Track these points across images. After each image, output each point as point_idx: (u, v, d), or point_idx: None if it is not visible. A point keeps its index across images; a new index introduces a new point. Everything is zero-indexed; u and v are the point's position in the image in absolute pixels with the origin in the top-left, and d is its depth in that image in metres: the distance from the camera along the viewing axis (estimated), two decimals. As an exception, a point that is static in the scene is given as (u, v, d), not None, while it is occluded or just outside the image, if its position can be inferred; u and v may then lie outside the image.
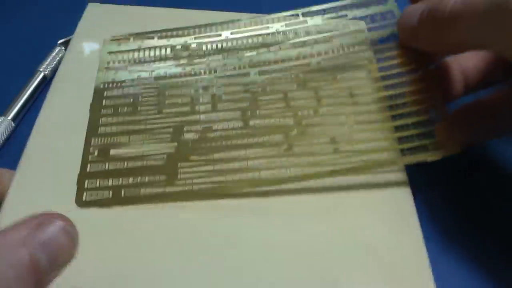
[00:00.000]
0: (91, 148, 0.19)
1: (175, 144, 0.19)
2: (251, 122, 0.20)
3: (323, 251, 0.17)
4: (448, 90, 0.22)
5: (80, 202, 0.18)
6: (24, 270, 0.13)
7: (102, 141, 0.20)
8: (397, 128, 0.20)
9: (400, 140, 0.19)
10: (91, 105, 0.21)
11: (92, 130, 0.20)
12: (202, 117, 0.20)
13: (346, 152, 0.19)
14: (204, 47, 0.24)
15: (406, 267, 0.17)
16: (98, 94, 0.22)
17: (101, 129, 0.20)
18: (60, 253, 0.15)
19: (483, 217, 0.21)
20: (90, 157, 0.19)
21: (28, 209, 0.15)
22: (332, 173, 0.18)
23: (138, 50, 0.24)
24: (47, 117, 0.21)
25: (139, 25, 0.25)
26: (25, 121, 0.25)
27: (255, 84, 0.22)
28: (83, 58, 0.24)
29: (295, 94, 0.21)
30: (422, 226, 0.18)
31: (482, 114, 0.21)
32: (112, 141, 0.20)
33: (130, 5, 0.27)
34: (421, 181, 0.20)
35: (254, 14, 0.25)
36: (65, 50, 0.27)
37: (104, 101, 0.21)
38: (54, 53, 0.28)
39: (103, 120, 0.20)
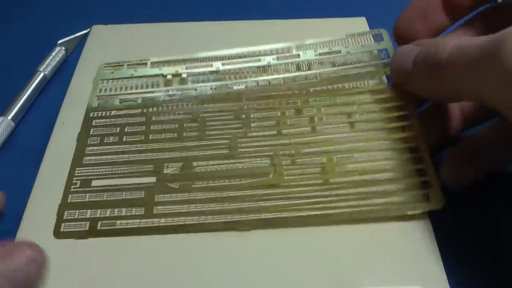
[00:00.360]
0: (74, 179, 0.20)
1: (154, 178, 0.20)
2: (232, 162, 0.20)
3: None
4: (447, 128, 0.21)
5: (58, 233, 0.18)
6: None
7: (86, 171, 0.20)
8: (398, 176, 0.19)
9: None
10: (79, 134, 0.22)
11: (77, 160, 0.21)
12: (184, 152, 0.21)
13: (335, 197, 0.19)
14: (194, 78, 0.24)
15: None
16: (87, 123, 0.22)
17: (86, 159, 0.21)
18: (26, 281, 0.15)
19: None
20: (72, 187, 0.20)
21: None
22: (308, 218, 0.18)
23: (130, 78, 0.24)
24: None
25: (144, 43, 0.26)
26: (25, 121, 0.26)
27: (238, 120, 0.22)
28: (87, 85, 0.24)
29: (279, 133, 0.21)
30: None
31: (482, 151, 0.20)
32: (95, 171, 0.20)
33: (134, 23, 0.28)
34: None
35: (254, 21, 0.27)
36: (65, 50, 0.28)
37: (91, 130, 0.22)
38: (54, 53, 0.28)
39: (88, 149, 0.21)
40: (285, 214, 0.18)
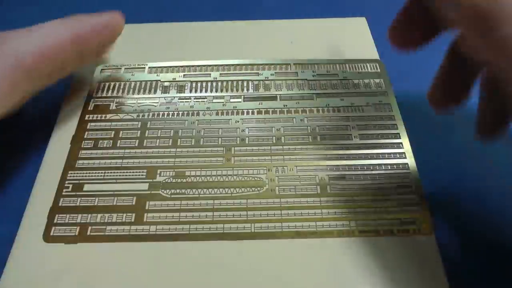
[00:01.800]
0: (67, 182, 0.20)
1: (147, 185, 0.20)
2: (224, 172, 0.20)
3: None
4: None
5: (47, 237, 0.18)
6: None
7: (78, 175, 0.20)
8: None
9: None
10: (73, 137, 0.22)
11: (70, 163, 0.21)
12: (177, 160, 0.21)
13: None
14: (191, 86, 0.24)
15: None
16: (82, 125, 0.22)
17: (79, 163, 0.21)
18: (99, 43, 0.17)
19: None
20: (64, 191, 0.20)
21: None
22: (296, 234, 0.18)
23: (127, 82, 0.24)
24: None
25: (142, 43, 0.26)
26: (24, 121, 0.25)
27: (235, 132, 0.22)
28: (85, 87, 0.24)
29: (272, 148, 0.21)
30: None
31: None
32: (87, 175, 0.20)
33: (132, 23, 0.28)
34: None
35: (252, 21, 0.28)
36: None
37: (86, 133, 0.22)
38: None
39: (82, 153, 0.21)
40: (276, 226, 0.19)
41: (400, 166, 0.21)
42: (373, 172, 0.20)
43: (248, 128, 0.22)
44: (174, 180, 0.20)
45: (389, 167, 0.21)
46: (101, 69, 0.25)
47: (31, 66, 0.16)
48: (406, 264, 0.18)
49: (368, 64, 0.25)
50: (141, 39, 0.27)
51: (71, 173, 0.20)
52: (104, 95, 0.24)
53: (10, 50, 0.16)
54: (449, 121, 0.23)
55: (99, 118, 0.22)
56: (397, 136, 0.22)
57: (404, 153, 0.21)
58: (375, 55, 0.26)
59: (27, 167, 0.21)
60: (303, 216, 0.19)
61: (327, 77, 0.25)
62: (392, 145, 0.21)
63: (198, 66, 0.25)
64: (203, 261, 0.18)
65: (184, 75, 0.25)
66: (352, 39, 0.27)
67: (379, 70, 0.25)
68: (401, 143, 0.21)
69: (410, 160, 0.21)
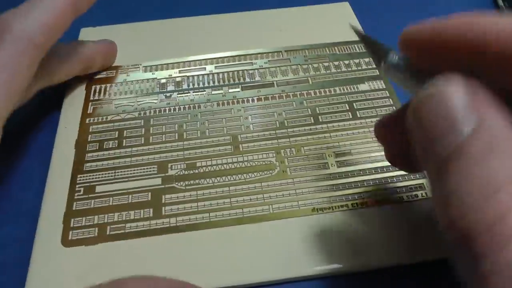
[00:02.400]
0: (77, 186, 0.20)
1: (160, 180, 0.20)
2: (234, 160, 0.21)
3: None
4: None
5: (66, 242, 0.18)
6: None
7: (88, 178, 0.20)
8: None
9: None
10: (76, 141, 0.21)
11: (78, 167, 0.20)
12: (186, 153, 0.21)
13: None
14: (188, 81, 0.24)
15: None
16: (83, 129, 0.22)
17: (87, 166, 0.20)
18: None
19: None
20: (76, 195, 0.19)
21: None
22: (314, 210, 0.19)
23: (123, 83, 0.24)
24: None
25: (134, 42, 0.26)
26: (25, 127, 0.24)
27: (238, 121, 0.22)
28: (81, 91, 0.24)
29: (277, 132, 0.22)
30: None
31: None
32: (97, 177, 0.20)
33: (122, 23, 0.28)
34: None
35: (239, 13, 0.28)
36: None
37: (89, 136, 0.22)
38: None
39: (88, 156, 0.21)
40: (293, 205, 0.19)
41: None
42: (377, 143, 0.21)
43: (250, 115, 0.23)
44: (186, 172, 0.20)
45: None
46: (95, 73, 0.24)
47: (42, 42, 0.17)
48: (420, 228, 0.18)
49: (356, 45, 0.26)
50: (132, 39, 0.27)
51: (81, 177, 0.20)
52: (101, 97, 0.23)
53: (20, 33, 0.16)
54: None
55: (100, 120, 0.22)
56: (393, 107, 0.23)
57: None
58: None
59: (34, 173, 0.21)
60: (317, 193, 0.19)
61: (319, 60, 0.25)
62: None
63: (193, 61, 0.25)
64: (228, 246, 0.18)
65: (179, 71, 0.25)
66: (338, 23, 0.27)
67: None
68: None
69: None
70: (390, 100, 0.23)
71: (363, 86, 0.24)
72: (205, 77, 0.24)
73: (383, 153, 0.20)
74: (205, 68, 0.25)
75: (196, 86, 0.24)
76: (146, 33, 0.27)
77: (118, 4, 0.30)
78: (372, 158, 0.21)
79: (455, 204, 0.10)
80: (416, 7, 0.30)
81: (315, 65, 0.25)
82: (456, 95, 0.10)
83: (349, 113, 0.23)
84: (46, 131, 0.22)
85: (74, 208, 0.19)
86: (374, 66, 0.25)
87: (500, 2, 0.30)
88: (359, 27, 0.26)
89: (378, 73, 0.25)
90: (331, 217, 0.19)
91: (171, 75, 0.24)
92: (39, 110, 0.24)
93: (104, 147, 0.21)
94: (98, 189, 0.20)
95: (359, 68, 0.25)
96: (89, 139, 0.21)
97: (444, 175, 0.10)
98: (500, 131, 0.10)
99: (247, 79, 0.24)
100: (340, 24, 0.27)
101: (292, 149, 0.21)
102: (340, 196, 0.19)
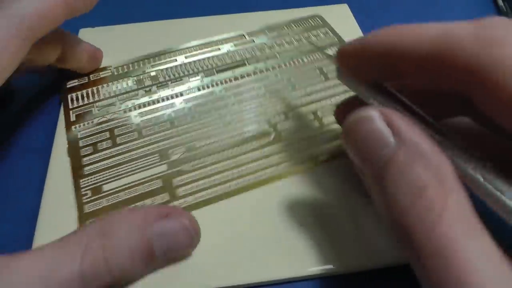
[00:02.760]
0: (82, 190, 0.19)
1: (165, 166, 0.20)
2: (231, 134, 0.22)
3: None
4: None
5: (88, 241, 0.18)
6: (137, 252, 0.15)
7: (92, 180, 0.20)
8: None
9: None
10: (68, 149, 0.21)
11: (77, 172, 0.20)
12: (183, 137, 0.21)
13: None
14: (163, 74, 0.25)
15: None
16: (71, 137, 0.21)
17: (86, 169, 0.20)
18: (175, 247, 0.16)
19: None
20: (84, 198, 0.19)
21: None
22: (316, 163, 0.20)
23: (99, 86, 0.24)
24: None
25: (133, 43, 0.27)
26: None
27: (223, 100, 0.23)
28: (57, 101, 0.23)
29: (262, 103, 0.23)
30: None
31: None
32: (101, 177, 0.20)
33: (121, 24, 0.28)
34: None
35: (234, 15, 0.29)
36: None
37: (80, 142, 0.21)
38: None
39: (85, 160, 0.20)
40: (297, 162, 0.20)
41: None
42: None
43: (233, 94, 0.24)
44: (188, 154, 0.21)
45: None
46: (67, 82, 0.24)
47: (34, 26, 0.18)
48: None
49: (310, 20, 0.28)
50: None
51: (83, 181, 0.20)
52: (80, 104, 0.23)
53: (14, 11, 0.17)
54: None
55: (86, 125, 0.22)
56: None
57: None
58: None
59: (34, 173, 0.21)
60: (314, 147, 0.21)
61: (280, 37, 0.27)
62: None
63: (162, 54, 0.26)
64: (250, 209, 0.19)
65: (152, 65, 0.25)
66: (337, 25, 0.28)
67: (321, 22, 0.28)
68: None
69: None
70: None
71: (327, 52, 0.26)
72: (179, 67, 0.25)
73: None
74: (176, 60, 0.25)
75: (172, 77, 0.24)
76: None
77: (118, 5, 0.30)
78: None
79: (393, 206, 0.12)
80: (415, 8, 0.31)
81: (278, 42, 0.27)
82: (378, 119, 0.13)
83: (322, 76, 0.25)
84: (46, 132, 0.22)
85: (86, 211, 0.19)
86: (333, 35, 0.27)
87: (500, 2, 0.30)
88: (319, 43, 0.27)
89: (337, 40, 0.27)
90: (334, 166, 0.20)
91: (145, 71, 0.25)
92: (39, 110, 0.23)
93: (99, 148, 0.21)
94: (106, 188, 0.19)
95: (318, 38, 0.27)
96: (81, 145, 0.21)
97: (380, 184, 0.13)
98: (417, 141, 0.12)
99: (219, 63, 0.25)
100: (340, 26, 0.28)
101: (280, 114, 0.22)
102: (336, 146, 0.21)
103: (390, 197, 0.12)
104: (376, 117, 0.13)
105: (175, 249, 0.16)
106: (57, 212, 0.19)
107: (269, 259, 0.17)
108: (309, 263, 0.17)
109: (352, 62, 0.16)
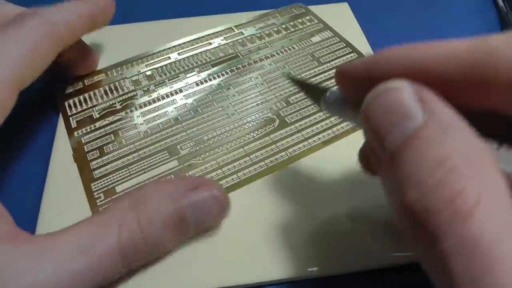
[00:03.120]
0: (95, 193, 0.19)
1: (176, 162, 0.20)
2: (236, 124, 0.22)
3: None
4: None
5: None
6: (171, 222, 0.15)
7: (103, 183, 0.19)
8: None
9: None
10: (74, 156, 0.21)
11: (86, 177, 0.20)
12: (189, 132, 0.21)
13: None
14: (159, 72, 0.25)
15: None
16: (75, 143, 0.21)
17: (96, 173, 0.20)
18: (207, 217, 0.16)
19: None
20: (98, 201, 0.19)
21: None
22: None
23: (96, 90, 0.24)
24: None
25: (134, 43, 0.26)
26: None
27: (223, 92, 0.23)
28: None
29: (262, 92, 0.23)
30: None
31: None
32: (113, 179, 0.20)
33: (119, 24, 0.28)
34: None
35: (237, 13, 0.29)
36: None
37: (84, 147, 0.21)
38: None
39: (93, 164, 0.20)
40: (305, 145, 0.21)
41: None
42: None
43: (231, 85, 0.24)
44: (198, 148, 0.21)
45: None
46: (63, 89, 0.24)
47: (63, 33, 0.19)
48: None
49: (293, 9, 0.29)
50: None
51: (95, 184, 0.19)
52: (79, 109, 0.23)
53: (47, 19, 0.19)
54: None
55: (88, 130, 0.22)
56: (347, 47, 0.26)
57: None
58: (363, 39, 0.27)
59: (34, 174, 0.20)
60: (319, 130, 0.21)
61: (268, 27, 0.27)
62: (344, 55, 0.25)
63: (155, 53, 0.26)
64: (268, 194, 0.19)
65: (146, 65, 0.25)
66: (337, 23, 0.28)
67: (304, 10, 0.29)
68: (356, 56, 0.25)
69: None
70: (342, 43, 0.26)
71: (315, 38, 0.27)
72: (173, 64, 0.25)
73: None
74: (169, 57, 0.25)
75: (168, 74, 0.24)
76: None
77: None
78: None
79: (410, 187, 0.10)
80: (415, 7, 0.30)
81: (267, 32, 0.27)
82: (408, 90, 0.11)
83: (314, 61, 0.25)
84: (46, 132, 0.22)
85: (102, 213, 0.18)
86: (317, 21, 0.28)
87: (500, 2, 0.30)
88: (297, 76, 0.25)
89: (322, 26, 0.28)
90: (340, 145, 0.21)
91: (140, 70, 0.25)
92: (39, 111, 0.23)
93: (106, 151, 0.21)
94: (119, 188, 0.19)
95: (304, 25, 0.28)
96: (86, 149, 0.21)
97: (397, 162, 0.10)
98: (451, 117, 0.10)
99: (212, 57, 0.25)
100: (340, 24, 0.28)
101: (281, 102, 0.23)
102: (339, 127, 0.22)
103: (406, 179, 0.10)
104: (405, 88, 0.11)
105: (207, 218, 0.16)
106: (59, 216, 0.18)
107: (269, 259, 0.17)
108: (309, 263, 0.17)
109: (358, 84, 0.13)
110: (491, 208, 0.09)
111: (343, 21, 0.28)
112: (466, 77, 0.11)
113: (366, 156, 0.15)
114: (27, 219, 0.19)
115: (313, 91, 0.16)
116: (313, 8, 0.29)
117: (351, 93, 0.14)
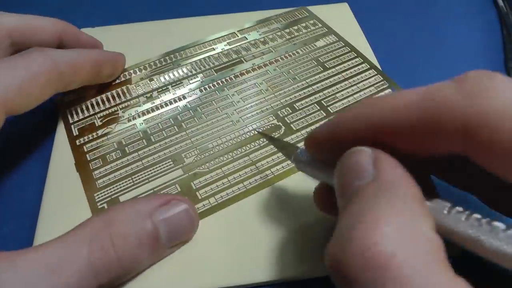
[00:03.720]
0: (99, 204, 0.19)
1: (181, 171, 0.20)
2: (241, 132, 0.21)
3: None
4: None
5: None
6: (145, 239, 0.15)
7: (106, 192, 0.19)
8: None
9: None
10: (76, 165, 0.20)
11: (90, 187, 0.19)
12: (194, 139, 0.21)
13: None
14: (161, 79, 0.24)
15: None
16: (78, 152, 0.21)
17: (99, 183, 0.19)
18: (179, 232, 0.16)
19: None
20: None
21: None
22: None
23: (97, 97, 0.23)
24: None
25: (133, 42, 0.26)
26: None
27: (227, 99, 0.23)
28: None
29: (267, 98, 0.23)
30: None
31: None
32: (116, 189, 0.19)
33: (120, 23, 0.28)
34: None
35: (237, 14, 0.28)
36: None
37: (87, 156, 0.20)
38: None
39: (96, 173, 0.20)
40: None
41: (369, 73, 0.24)
42: (355, 85, 0.24)
43: (236, 92, 0.23)
44: (202, 156, 0.20)
45: (360, 77, 0.24)
46: (62, 97, 0.23)
47: (63, 70, 0.19)
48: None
49: (296, 12, 0.29)
50: (141, 38, 0.26)
51: (98, 194, 0.19)
52: (80, 117, 0.22)
53: (51, 55, 0.19)
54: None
55: (91, 138, 0.21)
56: (351, 53, 0.25)
57: (370, 67, 0.25)
58: (363, 39, 0.27)
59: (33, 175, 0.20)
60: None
61: (271, 32, 0.27)
62: (349, 60, 0.25)
63: (158, 59, 0.25)
64: (276, 203, 0.19)
65: (148, 71, 0.25)
66: (337, 24, 0.28)
67: (307, 14, 0.28)
68: (361, 61, 0.25)
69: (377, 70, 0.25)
70: (347, 48, 0.26)
71: (320, 43, 0.26)
72: (175, 71, 0.25)
73: (363, 92, 0.23)
74: (172, 64, 0.25)
75: (171, 81, 0.24)
76: (148, 33, 0.27)
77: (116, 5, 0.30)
78: (356, 97, 0.23)
79: (334, 239, 0.11)
80: (415, 7, 0.30)
81: (270, 36, 0.27)
82: (365, 153, 0.12)
83: (319, 67, 0.25)
84: (46, 132, 0.22)
85: (106, 224, 0.18)
86: (321, 25, 0.28)
87: (500, 2, 0.30)
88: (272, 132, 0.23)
89: (327, 30, 0.27)
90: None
91: (142, 78, 0.24)
92: (39, 111, 0.22)
93: (109, 160, 0.20)
94: (122, 198, 0.19)
95: (308, 29, 0.27)
96: (89, 159, 0.20)
97: (340, 215, 0.12)
98: (395, 178, 0.12)
99: (216, 63, 0.25)
100: (340, 24, 0.28)
101: (286, 108, 0.22)
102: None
103: (337, 230, 0.11)
104: (365, 152, 0.12)
105: (179, 233, 0.17)
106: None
107: (268, 259, 0.17)
108: (309, 263, 0.17)
109: (325, 146, 0.15)
110: (409, 268, 0.09)
111: (343, 21, 0.28)
112: (417, 128, 0.12)
113: (321, 194, 0.16)
114: (27, 219, 0.19)
115: (285, 148, 0.18)
116: (313, 8, 0.29)
117: (320, 155, 0.15)
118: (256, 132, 0.21)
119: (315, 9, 0.29)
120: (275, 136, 0.21)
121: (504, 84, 0.11)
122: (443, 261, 0.10)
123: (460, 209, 0.12)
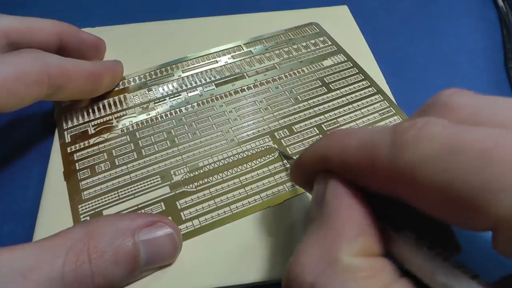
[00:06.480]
0: (82, 216, 0.18)
1: (168, 188, 0.19)
2: (234, 152, 0.21)
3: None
4: None
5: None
6: (122, 257, 0.15)
7: (91, 205, 0.19)
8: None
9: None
10: (64, 173, 0.20)
11: (75, 197, 0.19)
12: (185, 156, 0.21)
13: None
14: (160, 89, 0.24)
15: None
16: (68, 159, 0.20)
17: (85, 194, 0.19)
18: (160, 256, 0.16)
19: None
20: (82, 224, 0.18)
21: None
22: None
23: (93, 104, 0.23)
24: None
25: (133, 43, 0.26)
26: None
27: (224, 116, 0.22)
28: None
29: (265, 118, 0.22)
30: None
31: None
32: (101, 202, 0.19)
33: (120, 24, 0.28)
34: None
35: (236, 15, 0.28)
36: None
37: (76, 165, 0.20)
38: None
39: (83, 184, 0.19)
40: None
41: (375, 98, 0.23)
42: (359, 111, 0.23)
43: (234, 108, 0.23)
44: (191, 174, 0.20)
45: (365, 102, 0.23)
46: (59, 102, 0.23)
47: (54, 73, 0.19)
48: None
49: (307, 28, 0.28)
50: (141, 39, 0.26)
51: (82, 206, 0.19)
52: (75, 124, 0.22)
53: (40, 57, 0.19)
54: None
55: (82, 146, 0.21)
56: (359, 75, 0.24)
57: (376, 91, 0.24)
58: (362, 41, 0.27)
59: (33, 174, 0.21)
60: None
61: (278, 46, 0.26)
62: (356, 82, 0.24)
63: (159, 69, 0.25)
64: (263, 229, 0.18)
65: (148, 81, 0.24)
66: (337, 26, 0.28)
67: (318, 30, 0.28)
68: (368, 84, 0.24)
69: (383, 95, 0.24)
70: (355, 69, 0.25)
71: (327, 62, 0.25)
72: (175, 82, 0.24)
73: (366, 118, 0.22)
74: (172, 74, 0.25)
75: (170, 92, 0.24)
76: (147, 34, 0.27)
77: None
78: (358, 123, 0.22)
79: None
80: (415, 9, 0.30)
81: (277, 52, 0.26)
82: (318, 187, 0.14)
83: (323, 87, 0.24)
84: (46, 132, 0.22)
85: (86, 239, 0.18)
86: (331, 43, 0.27)
87: (500, 2, 0.30)
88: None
89: (336, 49, 0.26)
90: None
91: (141, 87, 0.24)
92: (39, 111, 0.23)
93: (97, 171, 0.20)
94: (106, 212, 0.18)
95: (317, 47, 0.26)
96: (77, 168, 0.20)
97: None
98: (331, 210, 0.12)
99: (217, 76, 0.25)
100: (339, 28, 0.27)
101: (284, 130, 0.22)
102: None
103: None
104: (322, 180, 0.14)
105: (159, 257, 0.16)
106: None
107: (268, 259, 0.17)
108: None
109: (300, 176, 0.16)
110: None
111: (343, 24, 0.28)
112: (359, 167, 0.12)
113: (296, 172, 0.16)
114: (26, 219, 0.19)
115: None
116: (312, 11, 0.29)
117: (301, 183, 0.16)
118: (249, 154, 0.21)
119: (314, 11, 0.29)
120: (269, 159, 0.20)
121: (438, 128, 0.11)
122: (362, 281, 0.11)
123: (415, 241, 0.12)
